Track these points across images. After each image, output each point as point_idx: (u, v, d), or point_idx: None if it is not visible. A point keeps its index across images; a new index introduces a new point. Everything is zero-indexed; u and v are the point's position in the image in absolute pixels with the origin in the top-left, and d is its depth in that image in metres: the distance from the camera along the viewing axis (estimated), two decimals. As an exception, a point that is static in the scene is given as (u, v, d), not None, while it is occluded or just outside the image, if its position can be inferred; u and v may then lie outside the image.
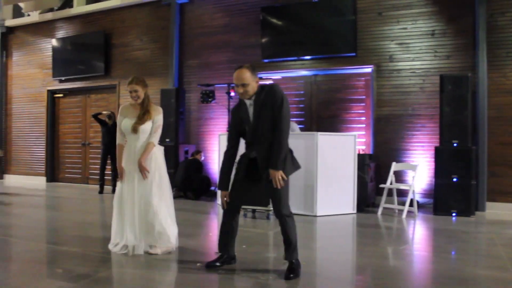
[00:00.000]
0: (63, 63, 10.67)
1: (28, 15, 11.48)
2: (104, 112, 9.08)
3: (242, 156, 3.50)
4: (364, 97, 7.89)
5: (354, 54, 7.74)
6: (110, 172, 8.81)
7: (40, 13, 11.19)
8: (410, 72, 7.43)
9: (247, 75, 3.32)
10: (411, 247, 4.72)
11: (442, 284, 3.30)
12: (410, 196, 6.38)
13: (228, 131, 3.71)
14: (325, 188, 6.29)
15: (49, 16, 11.05)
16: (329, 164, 6.33)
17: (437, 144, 6.72)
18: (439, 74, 6.78)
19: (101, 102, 10.50)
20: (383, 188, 6.63)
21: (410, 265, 3.96)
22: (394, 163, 6.80)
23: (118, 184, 4.14)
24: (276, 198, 3.34)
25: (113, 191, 6.18)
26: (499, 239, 4.92)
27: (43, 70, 11.17)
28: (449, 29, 7.22)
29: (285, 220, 3.34)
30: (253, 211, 6.11)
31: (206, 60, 9.08)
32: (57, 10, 11.05)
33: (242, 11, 8.78)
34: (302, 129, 7.99)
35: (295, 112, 8.31)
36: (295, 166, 3.45)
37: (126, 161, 4.07)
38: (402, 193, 6.98)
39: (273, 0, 8.42)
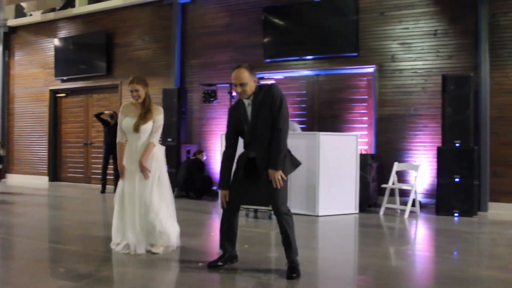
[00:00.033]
0: (65, 62, 10.68)
1: (30, 15, 11.51)
2: (106, 112, 9.09)
3: (240, 156, 3.51)
4: (366, 97, 7.88)
5: (356, 54, 7.73)
6: (112, 172, 8.82)
7: (42, 13, 11.22)
8: (412, 72, 7.42)
9: (245, 74, 3.32)
10: (413, 247, 4.72)
11: (444, 284, 3.29)
12: (412, 196, 6.37)
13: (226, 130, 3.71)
14: (327, 188, 6.29)
15: (51, 16, 11.07)
16: (331, 164, 6.32)
17: (439, 144, 6.70)
18: (441, 74, 6.77)
19: (103, 101, 10.51)
20: (385, 188, 6.62)
21: (412, 265, 3.96)
22: (396, 163, 6.78)
23: (119, 183, 4.15)
24: (275, 196, 3.34)
25: (115, 190, 6.19)
26: (501, 239, 4.92)
27: (45, 70, 11.19)
28: (451, 29, 7.20)
29: (283, 218, 3.34)
30: (255, 211, 6.11)
31: (208, 60, 9.09)
32: (59, 10, 11.07)
33: (244, 11, 8.78)
34: (304, 129, 7.99)
35: (297, 112, 8.31)
36: (295, 164, 3.45)
37: (127, 160, 4.08)
38: (404, 193, 6.96)
39: (275, 0, 8.42)
